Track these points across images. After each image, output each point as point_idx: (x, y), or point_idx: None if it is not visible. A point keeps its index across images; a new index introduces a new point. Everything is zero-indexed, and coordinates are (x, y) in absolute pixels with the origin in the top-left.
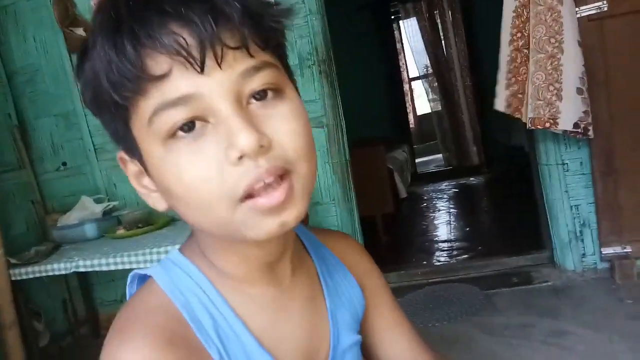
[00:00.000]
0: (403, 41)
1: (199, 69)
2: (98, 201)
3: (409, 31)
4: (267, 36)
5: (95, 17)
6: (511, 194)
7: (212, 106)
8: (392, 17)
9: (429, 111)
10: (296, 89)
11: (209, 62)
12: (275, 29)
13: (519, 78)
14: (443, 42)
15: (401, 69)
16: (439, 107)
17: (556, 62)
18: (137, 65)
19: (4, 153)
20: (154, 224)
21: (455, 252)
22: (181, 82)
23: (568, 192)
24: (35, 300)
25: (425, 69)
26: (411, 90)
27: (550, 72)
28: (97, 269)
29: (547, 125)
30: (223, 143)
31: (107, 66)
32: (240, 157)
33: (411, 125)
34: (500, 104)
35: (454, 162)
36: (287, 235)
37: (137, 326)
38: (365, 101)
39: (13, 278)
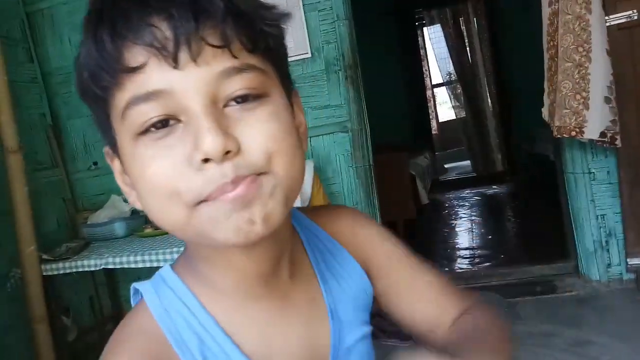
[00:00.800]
0: (427, 48)
1: (172, 63)
2: (127, 200)
3: (433, 38)
4: (255, 38)
5: (88, 9)
6: (535, 203)
7: (184, 103)
8: (417, 23)
9: (452, 118)
10: (289, 96)
11: (184, 56)
12: (267, 32)
13: (553, 87)
14: (468, 48)
15: (424, 76)
16: (463, 114)
17: (584, 71)
18: (113, 57)
19: (38, 152)
20: None
21: (477, 260)
22: (155, 75)
23: (594, 201)
24: (63, 297)
25: (448, 76)
26: (434, 96)
27: (577, 80)
28: (125, 266)
29: (573, 134)
30: (190, 142)
31: (87, 58)
32: (205, 160)
33: (433, 132)
34: (545, 114)
35: (480, 169)
36: (278, 242)
37: (120, 350)
38: (388, 107)
39: (44, 273)
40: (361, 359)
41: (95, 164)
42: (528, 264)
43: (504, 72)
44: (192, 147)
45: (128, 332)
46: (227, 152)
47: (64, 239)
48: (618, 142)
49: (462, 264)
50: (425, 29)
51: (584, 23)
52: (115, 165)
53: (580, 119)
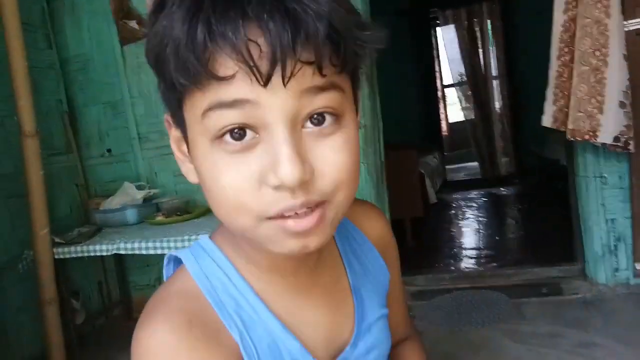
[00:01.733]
0: (439, 48)
1: (262, 81)
2: (139, 188)
3: (447, 38)
4: (345, 58)
5: None
6: (543, 206)
7: (266, 120)
8: (431, 23)
9: (462, 119)
10: (356, 113)
11: (276, 76)
12: (357, 53)
13: (565, 93)
14: (481, 50)
15: (436, 76)
16: (472, 116)
17: (600, 75)
18: (203, 61)
19: (53, 137)
20: (192, 212)
21: (483, 260)
22: (242, 87)
23: (605, 205)
24: (73, 280)
25: (460, 77)
26: (444, 97)
27: (593, 84)
28: (137, 252)
29: (587, 137)
30: (267, 162)
31: (174, 46)
32: (277, 187)
33: (443, 132)
34: (547, 121)
35: (487, 171)
36: None
37: (160, 309)
38: (399, 106)
39: (56, 256)
40: (380, 334)
41: (109, 151)
42: (534, 266)
43: (516, 74)
44: (269, 167)
45: (168, 292)
46: (301, 182)
47: (75, 224)
48: (632, 147)
49: (468, 264)
50: (438, 28)
51: (602, 27)
52: (173, 134)
53: (595, 122)
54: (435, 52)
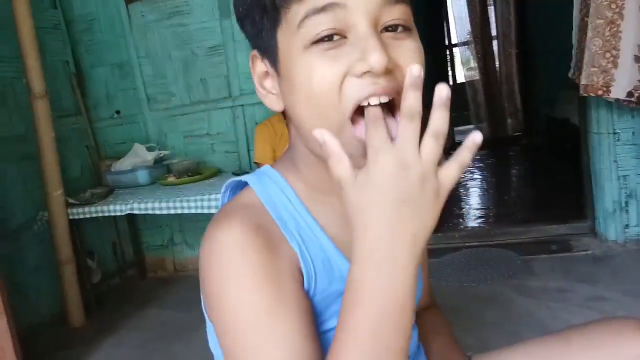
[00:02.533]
0: (448, 6)
1: None
2: (149, 149)
3: None
4: None
5: None
6: (553, 165)
7: (353, 20)
8: None
9: (470, 79)
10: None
11: None
12: None
13: (582, 45)
14: (493, 7)
15: (445, 35)
16: (480, 76)
17: (615, 29)
18: None
19: (61, 99)
20: (203, 173)
21: (492, 219)
22: None
23: (617, 161)
24: (87, 241)
25: (469, 36)
26: (452, 57)
27: (608, 38)
28: (150, 212)
29: (600, 92)
30: (354, 57)
31: None
32: (365, 72)
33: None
34: (571, 73)
35: (496, 131)
36: None
37: (231, 216)
38: None
39: (71, 217)
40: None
41: (117, 112)
42: (544, 223)
43: (527, 34)
44: (356, 60)
45: (237, 205)
46: (386, 69)
47: (87, 185)
48: None
49: (477, 222)
50: None
51: None
52: (257, 69)
53: (608, 77)
54: (444, 10)
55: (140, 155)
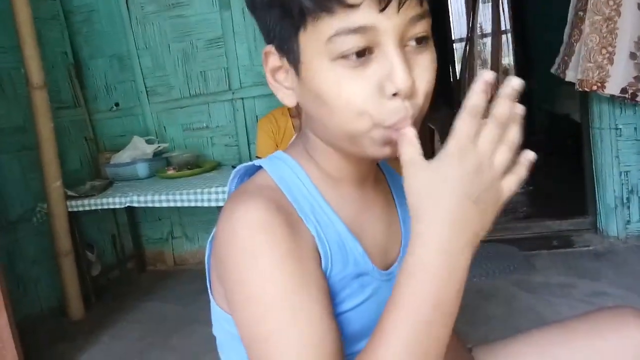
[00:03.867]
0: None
1: (381, 7)
2: (148, 142)
3: None
4: None
5: None
6: (554, 161)
7: (381, 41)
8: None
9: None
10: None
11: (393, 4)
12: None
13: (573, 40)
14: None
15: (447, 31)
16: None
17: (612, 25)
18: None
19: (60, 90)
20: (202, 166)
21: None
22: (366, 14)
23: (619, 157)
24: (87, 234)
25: (468, 32)
26: (454, 52)
27: (604, 35)
28: (149, 204)
29: (595, 88)
30: (382, 74)
31: None
32: (394, 94)
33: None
34: (570, 75)
35: None
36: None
37: (253, 193)
38: None
39: (70, 209)
40: None
41: (116, 104)
42: (545, 219)
43: (527, 29)
44: (384, 78)
45: (254, 186)
46: (411, 91)
47: (86, 177)
48: (639, 99)
49: None
50: None
51: None
52: (270, 62)
53: (604, 73)
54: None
55: (139, 148)
